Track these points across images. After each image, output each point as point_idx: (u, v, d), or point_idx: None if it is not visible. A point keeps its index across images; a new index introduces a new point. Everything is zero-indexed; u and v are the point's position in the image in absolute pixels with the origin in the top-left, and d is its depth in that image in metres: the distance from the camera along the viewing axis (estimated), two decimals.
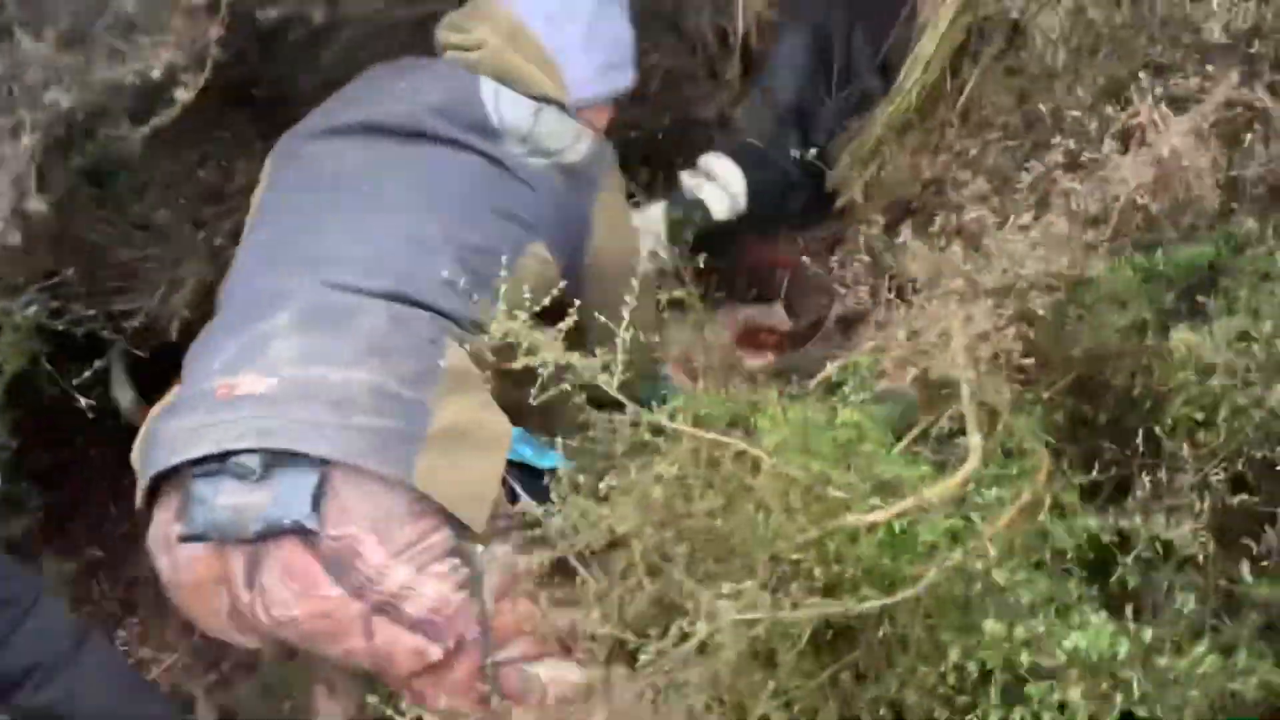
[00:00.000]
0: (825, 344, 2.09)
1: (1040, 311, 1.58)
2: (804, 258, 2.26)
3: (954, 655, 1.35)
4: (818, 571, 1.37)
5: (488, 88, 1.94)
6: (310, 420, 1.62)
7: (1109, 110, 1.84)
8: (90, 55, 1.87)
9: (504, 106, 1.94)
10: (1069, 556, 1.48)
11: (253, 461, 1.60)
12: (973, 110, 2.26)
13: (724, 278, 2.42)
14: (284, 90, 2.21)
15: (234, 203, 2.21)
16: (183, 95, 1.87)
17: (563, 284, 1.78)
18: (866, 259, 1.98)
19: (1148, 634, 1.34)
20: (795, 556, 1.38)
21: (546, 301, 1.68)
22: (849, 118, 2.34)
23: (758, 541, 1.40)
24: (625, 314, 1.56)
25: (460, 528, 1.62)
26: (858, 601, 1.34)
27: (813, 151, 2.31)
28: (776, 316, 2.07)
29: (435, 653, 1.61)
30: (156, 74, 1.86)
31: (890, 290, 1.82)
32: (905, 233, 1.74)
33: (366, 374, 1.66)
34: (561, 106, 2.00)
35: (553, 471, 1.64)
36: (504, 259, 1.74)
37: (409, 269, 1.79)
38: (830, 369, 1.72)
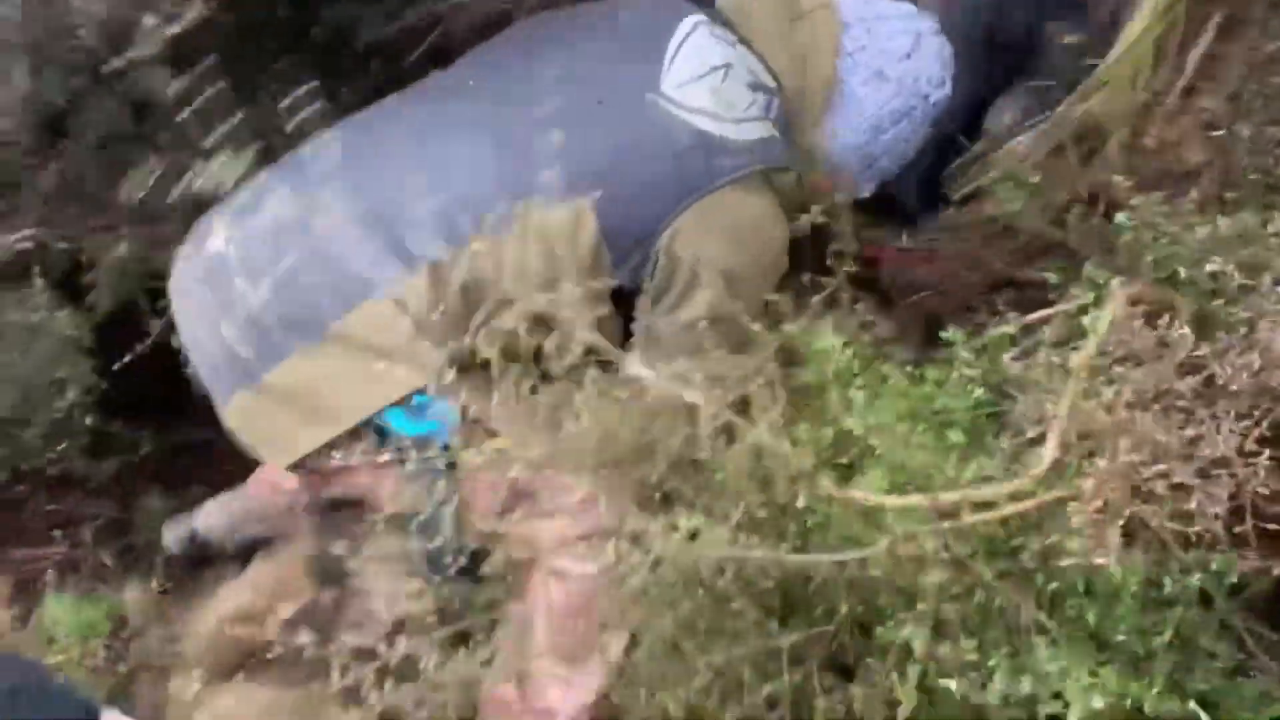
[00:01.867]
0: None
1: None
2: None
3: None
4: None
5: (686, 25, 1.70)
6: (202, 303, 1.69)
7: None
8: None
9: (687, 49, 1.67)
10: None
11: None
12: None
13: None
14: (346, 33, 2.10)
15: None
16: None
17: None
18: None
19: None
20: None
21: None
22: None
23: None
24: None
25: None
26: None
27: None
28: None
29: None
30: None
31: None
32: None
33: (261, 293, 1.65)
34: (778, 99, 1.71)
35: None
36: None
37: (399, 193, 1.64)
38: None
